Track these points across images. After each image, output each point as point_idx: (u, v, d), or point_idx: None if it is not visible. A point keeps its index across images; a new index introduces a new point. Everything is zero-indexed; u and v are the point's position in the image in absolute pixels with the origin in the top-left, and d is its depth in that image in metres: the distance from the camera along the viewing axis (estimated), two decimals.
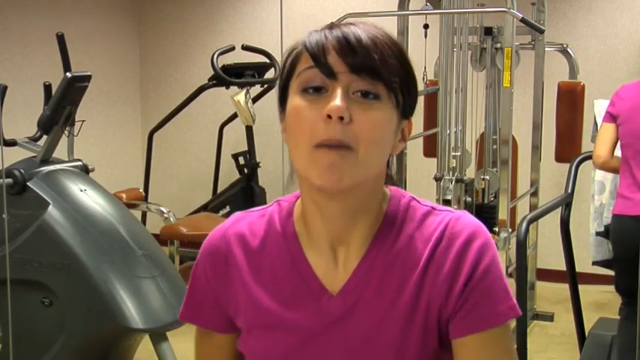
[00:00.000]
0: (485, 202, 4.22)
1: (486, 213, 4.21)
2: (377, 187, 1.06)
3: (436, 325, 1.03)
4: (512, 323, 1.63)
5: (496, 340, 1.04)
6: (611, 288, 3.52)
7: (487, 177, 4.11)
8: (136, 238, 3.14)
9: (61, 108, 3.30)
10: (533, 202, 4.63)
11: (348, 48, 0.99)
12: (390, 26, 4.10)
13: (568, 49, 4.61)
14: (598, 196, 4.12)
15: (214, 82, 5.16)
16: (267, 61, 5.33)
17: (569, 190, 3.52)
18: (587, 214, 4.27)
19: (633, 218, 3.18)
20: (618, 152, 3.34)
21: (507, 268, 3.99)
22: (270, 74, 5.35)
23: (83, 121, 3.53)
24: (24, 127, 4.06)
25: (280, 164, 4.02)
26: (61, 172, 3.29)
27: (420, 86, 4.29)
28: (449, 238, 1.04)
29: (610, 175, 4.03)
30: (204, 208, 5.57)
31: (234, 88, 5.17)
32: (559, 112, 4.44)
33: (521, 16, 3.58)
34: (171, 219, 4.65)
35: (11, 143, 3.38)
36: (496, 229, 3.92)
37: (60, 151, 3.46)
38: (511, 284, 3.42)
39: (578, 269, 3.59)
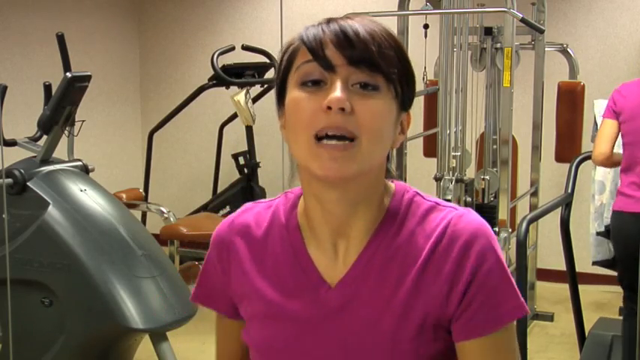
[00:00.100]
0: (485, 202, 4.22)
1: (486, 213, 4.20)
2: (378, 178, 1.06)
3: (434, 324, 1.03)
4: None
5: (500, 342, 1.04)
6: (611, 288, 3.53)
7: (487, 177, 4.11)
8: (136, 238, 3.14)
9: (61, 108, 3.30)
10: (533, 202, 4.63)
11: (346, 41, 0.99)
12: (390, 26, 4.09)
13: (568, 49, 4.61)
14: (598, 196, 4.13)
15: (214, 82, 5.16)
16: (267, 61, 5.33)
17: (569, 190, 3.52)
18: (587, 214, 4.27)
19: (634, 215, 3.19)
20: (617, 150, 3.35)
21: (507, 268, 3.99)
22: (270, 74, 5.35)
23: (83, 121, 3.53)
24: (24, 127, 4.06)
25: (280, 164, 4.01)
26: (61, 172, 3.29)
27: (420, 86, 4.30)
28: (450, 237, 1.03)
29: (610, 175, 4.04)
30: (204, 208, 5.57)
31: (234, 88, 5.17)
32: (559, 112, 4.44)
33: (521, 16, 3.58)
34: (171, 219, 4.65)
35: (11, 143, 3.38)
36: (496, 229, 3.92)
37: (60, 151, 3.46)
38: None
39: (578, 269, 3.59)
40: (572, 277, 3.54)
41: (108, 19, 6.09)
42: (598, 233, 4.08)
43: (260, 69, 5.31)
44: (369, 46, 0.99)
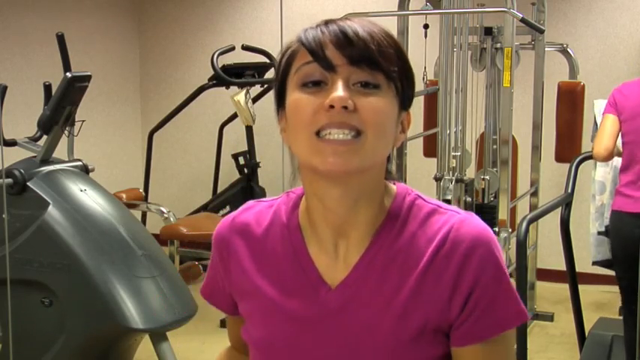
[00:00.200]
0: (485, 202, 4.22)
1: (486, 213, 4.21)
2: (379, 177, 1.07)
3: (434, 328, 1.03)
4: None
5: (498, 348, 1.04)
6: (611, 288, 3.53)
7: (487, 177, 4.11)
8: (136, 238, 3.14)
9: (61, 108, 3.30)
10: (533, 202, 4.63)
11: (346, 41, 0.99)
12: (390, 26, 4.09)
13: (568, 49, 4.61)
14: (599, 196, 4.13)
15: (214, 82, 5.16)
16: (267, 61, 5.33)
17: (569, 190, 3.52)
18: (587, 214, 4.28)
19: (633, 215, 3.20)
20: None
21: (507, 268, 3.98)
22: (270, 74, 5.35)
23: (83, 121, 3.53)
24: (24, 127, 4.06)
25: (280, 164, 4.02)
26: (61, 172, 3.29)
27: (420, 86, 4.30)
28: (453, 242, 1.03)
29: (610, 175, 4.04)
30: (204, 208, 5.57)
31: (234, 88, 5.17)
32: (559, 112, 4.44)
33: (521, 16, 3.58)
34: (171, 219, 4.65)
35: (11, 143, 3.38)
36: (496, 229, 3.92)
37: (60, 151, 3.46)
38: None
39: (578, 269, 3.59)
40: (572, 277, 3.54)
41: (108, 19, 6.09)
42: (599, 233, 4.08)
43: (260, 69, 5.31)
44: (368, 45, 0.99)
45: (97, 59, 5.80)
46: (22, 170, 3.20)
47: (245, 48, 5.32)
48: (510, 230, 3.93)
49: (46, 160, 3.35)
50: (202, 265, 4.81)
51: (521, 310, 1.04)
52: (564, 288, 3.78)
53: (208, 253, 1.36)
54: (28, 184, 3.18)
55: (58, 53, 3.33)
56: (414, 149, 4.57)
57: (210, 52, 5.14)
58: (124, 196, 4.76)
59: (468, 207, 4.12)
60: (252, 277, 1.11)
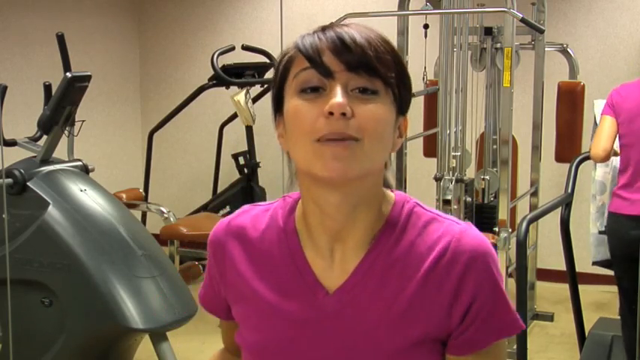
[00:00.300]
0: (485, 202, 4.22)
1: (486, 213, 4.21)
2: (377, 183, 1.07)
3: (432, 337, 1.04)
4: None
5: (493, 355, 1.06)
6: (611, 288, 3.53)
7: (487, 177, 4.11)
8: (136, 238, 3.14)
9: (61, 108, 3.30)
10: (533, 202, 4.63)
11: (344, 47, 1.00)
12: (390, 26, 4.10)
13: (568, 49, 4.61)
14: (600, 196, 4.12)
15: (214, 82, 5.16)
16: (267, 61, 5.33)
17: (569, 190, 3.52)
18: (587, 214, 4.27)
19: (629, 217, 3.21)
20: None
21: (507, 268, 3.99)
22: (270, 74, 5.35)
23: (83, 121, 3.53)
24: (24, 127, 4.06)
25: (280, 164, 4.01)
26: (61, 172, 3.29)
27: (420, 86, 4.30)
28: (454, 252, 1.03)
29: (610, 175, 4.04)
30: (204, 208, 5.57)
31: (234, 88, 5.17)
32: (559, 112, 4.44)
33: (521, 16, 3.58)
34: (171, 219, 4.65)
35: (11, 143, 3.38)
36: (496, 229, 3.92)
37: (60, 151, 3.46)
38: (511, 284, 3.40)
39: (578, 269, 3.60)
40: (572, 277, 3.54)
41: (108, 19, 6.09)
42: (600, 232, 4.08)
43: (260, 69, 5.31)
44: (366, 51, 0.99)
45: (97, 59, 5.80)
46: (22, 170, 3.20)
47: (245, 48, 5.32)
48: (510, 230, 3.93)
49: (46, 160, 3.35)
50: (202, 265, 4.81)
51: (515, 318, 1.06)
52: (564, 288, 3.78)
53: None
54: (28, 184, 3.18)
55: (58, 53, 3.33)
56: (414, 149, 4.57)
57: (210, 52, 5.14)
58: (124, 196, 4.76)
59: (468, 207, 4.12)
60: (249, 280, 1.11)
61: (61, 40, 3.33)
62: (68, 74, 3.25)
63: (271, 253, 1.10)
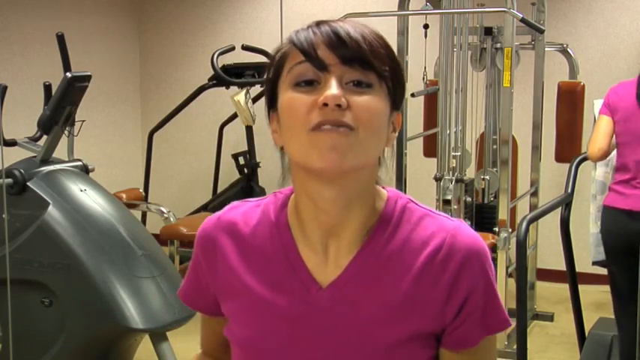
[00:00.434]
0: (485, 202, 4.22)
1: (486, 213, 4.21)
2: (372, 178, 1.07)
3: (427, 332, 1.05)
4: (512, 322, 1.63)
5: (483, 350, 1.08)
6: None
7: (487, 177, 4.11)
8: (136, 238, 3.14)
9: (61, 108, 3.30)
10: (533, 202, 4.63)
11: (338, 41, 1.00)
12: (390, 26, 4.10)
13: (568, 49, 4.61)
14: (600, 196, 4.12)
15: (214, 82, 5.16)
16: (267, 61, 5.32)
17: (569, 190, 3.52)
18: (587, 214, 4.27)
19: (623, 212, 3.22)
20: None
21: (507, 268, 3.99)
22: None
23: (83, 121, 3.53)
24: (24, 127, 4.06)
25: (280, 164, 4.02)
26: (61, 172, 3.29)
27: (420, 86, 4.30)
28: (449, 248, 1.04)
29: (610, 175, 4.03)
30: (204, 208, 5.57)
31: (234, 88, 5.17)
32: (559, 112, 4.44)
33: (521, 16, 3.58)
34: (171, 219, 4.65)
35: (11, 143, 3.38)
36: (496, 229, 3.92)
37: (60, 151, 3.46)
38: (511, 284, 3.39)
39: (578, 269, 3.60)
40: (572, 277, 3.54)
41: (108, 19, 6.09)
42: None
43: (260, 69, 5.31)
44: (360, 44, 1.00)
45: (97, 59, 5.80)
46: (22, 170, 3.20)
47: (245, 48, 5.32)
48: (510, 230, 3.93)
49: (46, 160, 3.35)
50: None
51: (505, 317, 1.09)
52: (564, 288, 3.78)
53: None
54: (28, 184, 3.18)
55: (58, 53, 3.33)
56: (414, 149, 4.57)
57: (210, 52, 5.14)
58: (124, 196, 4.76)
59: (468, 207, 4.12)
60: (241, 275, 1.10)
61: (61, 40, 3.33)
62: (68, 74, 3.25)
63: (263, 249, 1.10)
